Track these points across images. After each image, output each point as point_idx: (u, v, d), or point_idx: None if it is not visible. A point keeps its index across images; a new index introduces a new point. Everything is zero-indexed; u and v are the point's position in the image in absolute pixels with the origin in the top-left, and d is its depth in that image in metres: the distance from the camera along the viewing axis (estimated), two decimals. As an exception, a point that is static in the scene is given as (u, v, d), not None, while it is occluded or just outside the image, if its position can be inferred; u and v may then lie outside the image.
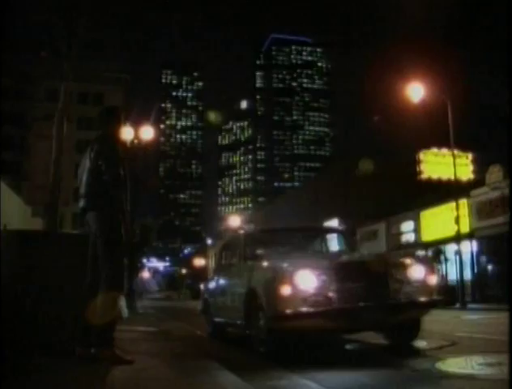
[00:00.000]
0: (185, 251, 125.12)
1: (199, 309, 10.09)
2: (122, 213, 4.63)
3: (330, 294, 5.24)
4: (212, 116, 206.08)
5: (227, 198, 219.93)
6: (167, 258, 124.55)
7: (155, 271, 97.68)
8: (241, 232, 7.76)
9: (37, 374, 3.97)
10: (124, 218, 4.63)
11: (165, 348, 6.23)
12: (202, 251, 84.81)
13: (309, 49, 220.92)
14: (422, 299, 5.64)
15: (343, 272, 5.44)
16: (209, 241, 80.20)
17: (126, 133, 15.68)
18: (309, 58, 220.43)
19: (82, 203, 4.80)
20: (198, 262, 77.07)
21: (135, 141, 18.97)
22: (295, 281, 5.22)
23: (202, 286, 10.16)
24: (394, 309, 5.49)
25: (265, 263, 6.34)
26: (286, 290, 5.21)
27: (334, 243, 8.12)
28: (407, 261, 5.95)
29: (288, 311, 5.18)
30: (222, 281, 8.12)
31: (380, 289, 5.44)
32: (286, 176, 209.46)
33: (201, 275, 53.59)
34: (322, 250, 7.89)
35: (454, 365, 4.91)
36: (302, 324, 5.27)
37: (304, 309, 5.16)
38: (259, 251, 7.30)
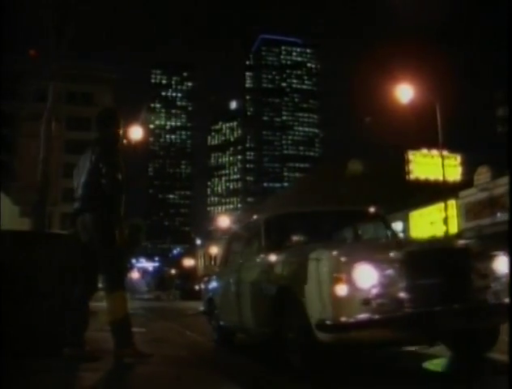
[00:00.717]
0: (175, 251, 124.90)
1: (201, 309, 9.03)
2: (118, 216, 4.60)
3: (401, 295, 3.92)
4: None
5: (216, 199, 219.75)
6: (156, 259, 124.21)
7: (144, 272, 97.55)
8: (261, 217, 6.27)
9: (31, 375, 3.94)
10: (119, 220, 4.60)
11: (160, 352, 6.03)
12: (191, 251, 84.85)
13: (298, 49, 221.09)
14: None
15: (416, 265, 4.07)
16: (198, 242, 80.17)
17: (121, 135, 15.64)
18: (299, 59, 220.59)
19: (78, 204, 4.76)
20: (188, 262, 77.03)
21: (124, 141, 18.93)
22: (353, 277, 3.87)
23: (203, 284, 9.43)
24: (482, 313, 4.18)
25: (306, 254, 4.43)
26: (341, 290, 3.85)
27: (372, 230, 6.54)
28: (493, 250, 4.50)
29: (344, 319, 3.85)
30: (234, 278, 6.49)
31: (462, 287, 4.15)
32: (275, 176, 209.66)
33: (190, 275, 53.53)
34: (363, 238, 6.38)
35: (445, 364, 4.93)
36: (362, 335, 3.90)
37: (366, 315, 3.83)
38: (295, 238, 5.91)
